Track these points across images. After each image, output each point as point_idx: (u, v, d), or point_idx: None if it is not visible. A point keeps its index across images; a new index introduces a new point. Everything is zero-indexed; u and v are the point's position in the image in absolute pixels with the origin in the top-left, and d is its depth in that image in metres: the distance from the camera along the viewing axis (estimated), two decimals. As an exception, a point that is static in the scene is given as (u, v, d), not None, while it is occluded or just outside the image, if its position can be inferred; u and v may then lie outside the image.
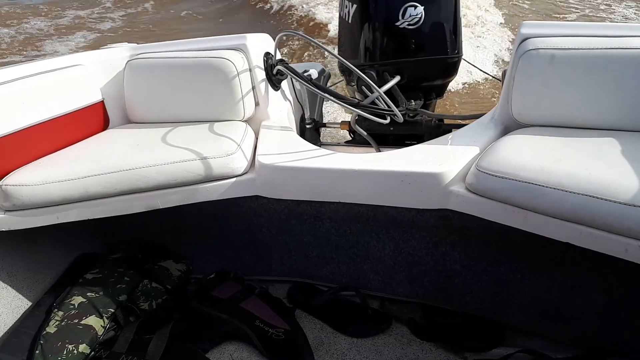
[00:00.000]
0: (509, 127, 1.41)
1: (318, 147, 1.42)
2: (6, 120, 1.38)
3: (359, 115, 1.48)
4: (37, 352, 1.33)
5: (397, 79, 1.80)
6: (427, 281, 1.58)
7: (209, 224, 1.76)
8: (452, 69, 1.95)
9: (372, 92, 1.49)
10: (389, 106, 1.46)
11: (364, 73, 1.42)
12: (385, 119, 1.45)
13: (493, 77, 3.09)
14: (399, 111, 1.45)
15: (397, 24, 1.82)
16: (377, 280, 1.65)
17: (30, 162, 1.43)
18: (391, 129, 1.91)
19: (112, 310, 1.50)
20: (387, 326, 1.56)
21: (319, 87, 1.56)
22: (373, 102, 1.50)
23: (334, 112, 4.04)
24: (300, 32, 1.61)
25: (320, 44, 1.60)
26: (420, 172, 1.24)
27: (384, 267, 1.61)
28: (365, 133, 1.78)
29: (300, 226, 1.64)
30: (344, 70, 2.08)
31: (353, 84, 2.03)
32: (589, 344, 1.38)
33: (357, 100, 1.55)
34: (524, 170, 1.09)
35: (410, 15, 1.80)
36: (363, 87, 1.80)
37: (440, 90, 2.08)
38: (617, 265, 1.02)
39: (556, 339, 1.43)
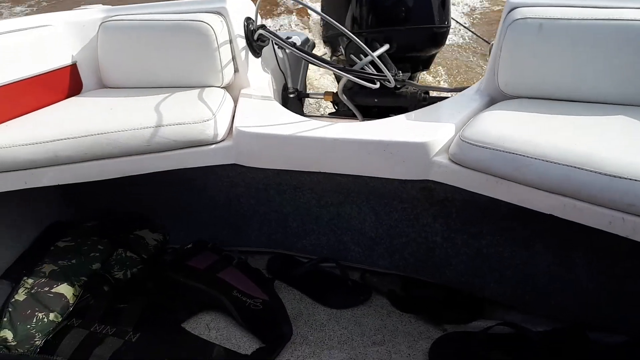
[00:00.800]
0: (495, 98, 1.38)
1: (299, 116, 1.38)
2: None
3: (344, 85, 1.43)
4: (5, 319, 1.30)
5: (386, 46, 1.75)
6: (408, 253, 1.56)
7: (186, 193, 1.71)
8: (440, 39, 1.90)
9: (361, 59, 1.44)
10: (381, 71, 1.41)
11: (352, 41, 1.37)
12: (376, 84, 1.41)
13: (482, 38, 2.99)
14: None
15: None
16: (357, 252, 1.63)
17: None
18: (375, 100, 1.87)
19: (85, 279, 1.46)
20: (366, 297, 1.54)
21: (304, 52, 1.50)
22: (362, 69, 1.45)
23: (317, 81, 3.94)
24: None
25: (310, 5, 1.54)
26: (403, 141, 1.20)
27: (364, 238, 1.59)
28: (350, 103, 1.73)
29: (280, 197, 1.61)
30: (328, 40, 2.02)
31: (339, 53, 1.97)
32: (569, 318, 1.38)
33: (345, 66, 1.50)
34: (508, 141, 1.06)
35: None
36: (351, 55, 1.74)
37: (427, 62, 2.04)
38: (600, 238, 1.01)
39: (536, 312, 1.43)
